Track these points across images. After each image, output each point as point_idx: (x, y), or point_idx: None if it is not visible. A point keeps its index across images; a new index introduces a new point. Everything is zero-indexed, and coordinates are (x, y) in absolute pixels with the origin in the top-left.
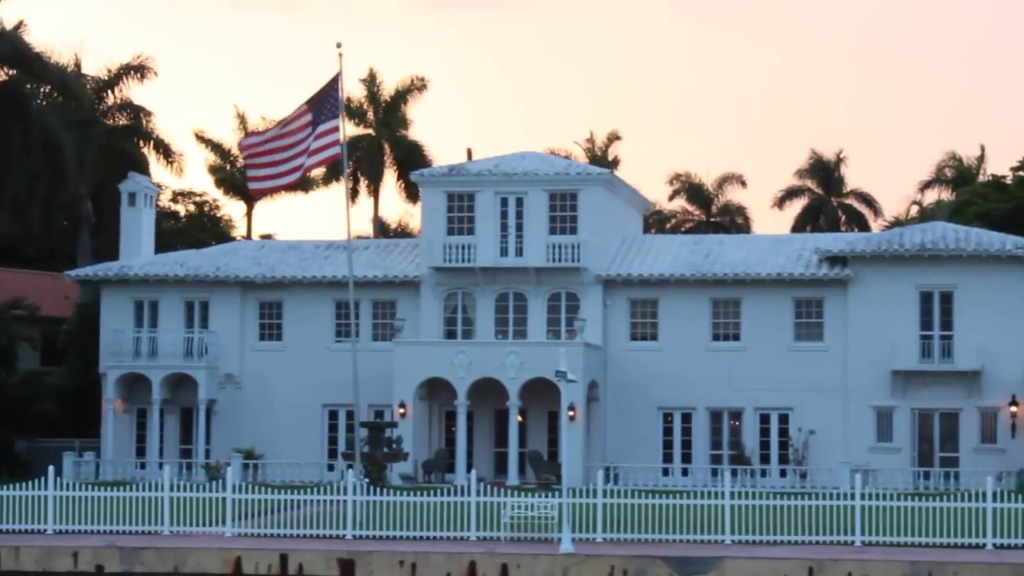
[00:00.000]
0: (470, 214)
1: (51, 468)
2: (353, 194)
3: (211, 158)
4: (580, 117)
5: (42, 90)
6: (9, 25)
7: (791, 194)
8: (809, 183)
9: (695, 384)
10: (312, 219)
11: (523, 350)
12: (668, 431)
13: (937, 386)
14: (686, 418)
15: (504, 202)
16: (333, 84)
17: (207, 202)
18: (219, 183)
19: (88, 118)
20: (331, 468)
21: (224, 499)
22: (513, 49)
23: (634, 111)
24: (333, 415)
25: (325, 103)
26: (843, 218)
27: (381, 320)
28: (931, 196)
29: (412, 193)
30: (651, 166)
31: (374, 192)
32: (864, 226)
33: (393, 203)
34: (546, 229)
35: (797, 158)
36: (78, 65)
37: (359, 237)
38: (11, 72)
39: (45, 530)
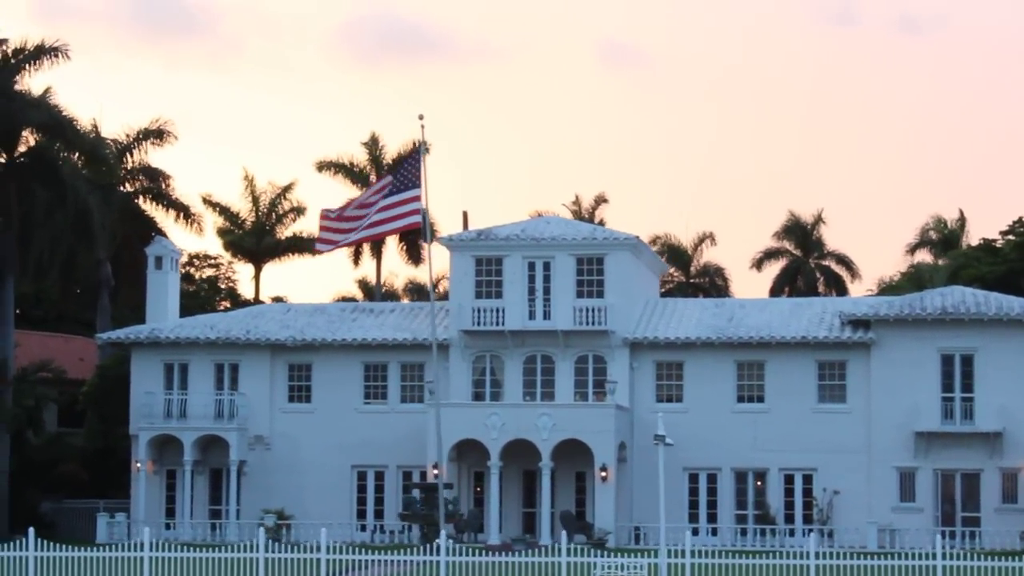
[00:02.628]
0: (498, 278)
1: (147, 531)
2: (356, 256)
3: (219, 221)
4: (562, 179)
5: (68, 155)
6: (36, 91)
7: (769, 255)
8: (787, 244)
9: (720, 445)
10: (315, 281)
11: (555, 412)
12: (694, 491)
13: (959, 447)
14: (711, 478)
15: (531, 266)
16: (414, 154)
17: (220, 264)
18: (227, 246)
19: (111, 182)
20: (362, 528)
21: (319, 560)
22: (492, 112)
23: (614, 173)
24: (362, 476)
25: (405, 171)
26: (821, 280)
27: (409, 383)
28: (915, 259)
29: (413, 255)
30: (632, 229)
31: (377, 255)
32: (842, 288)
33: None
34: (573, 293)
35: (775, 220)
36: (96, 129)
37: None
38: (39, 137)
39: None
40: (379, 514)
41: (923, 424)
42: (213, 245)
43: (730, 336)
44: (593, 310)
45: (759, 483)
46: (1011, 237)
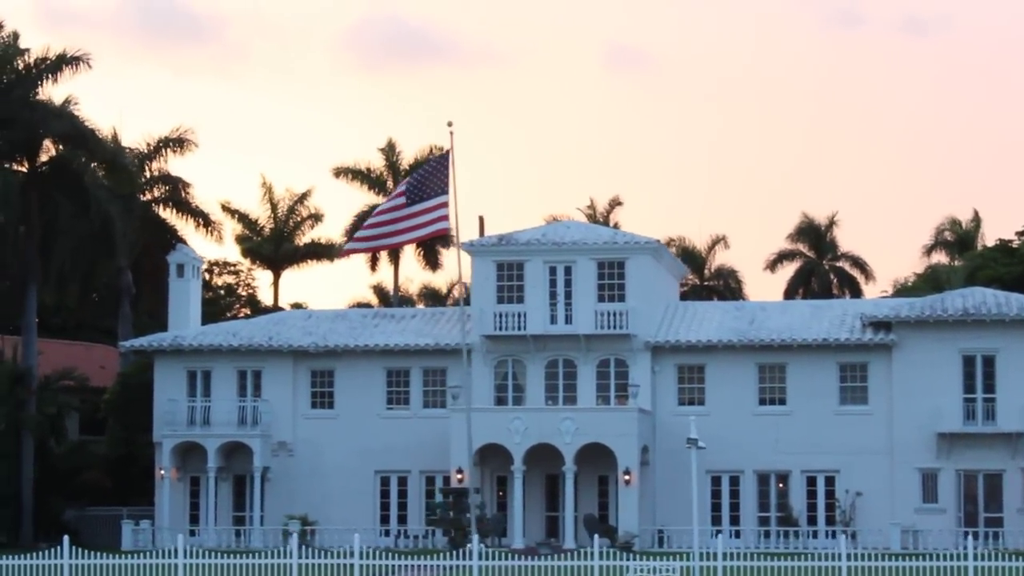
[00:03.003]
0: (519, 283)
1: (180, 537)
2: (373, 261)
3: (236, 228)
4: (573, 183)
5: (89, 164)
6: (57, 100)
7: (783, 257)
8: (801, 246)
9: (742, 448)
10: (331, 288)
11: (578, 416)
12: (716, 494)
13: (981, 448)
14: (734, 481)
15: (553, 271)
16: (443, 160)
17: (240, 271)
18: (246, 253)
19: (131, 191)
20: (385, 534)
21: (352, 565)
22: (499, 116)
23: (625, 176)
24: (385, 481)
25: (434, 179)
26: (835, 281)
27: (431, 388)
28: (930, 260)
29: (431, 261)
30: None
31: (394, 261)
32: (856, 290)
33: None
34: (594, 297)
35: (788, 222)
36: (117, 138)
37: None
38: (61, 147)
39: None
40: (402, 519)
41: (945, 425)
42: (231, 252)
43: (751, 339)
44: (615, 314)
45: (781, 485)
46: None
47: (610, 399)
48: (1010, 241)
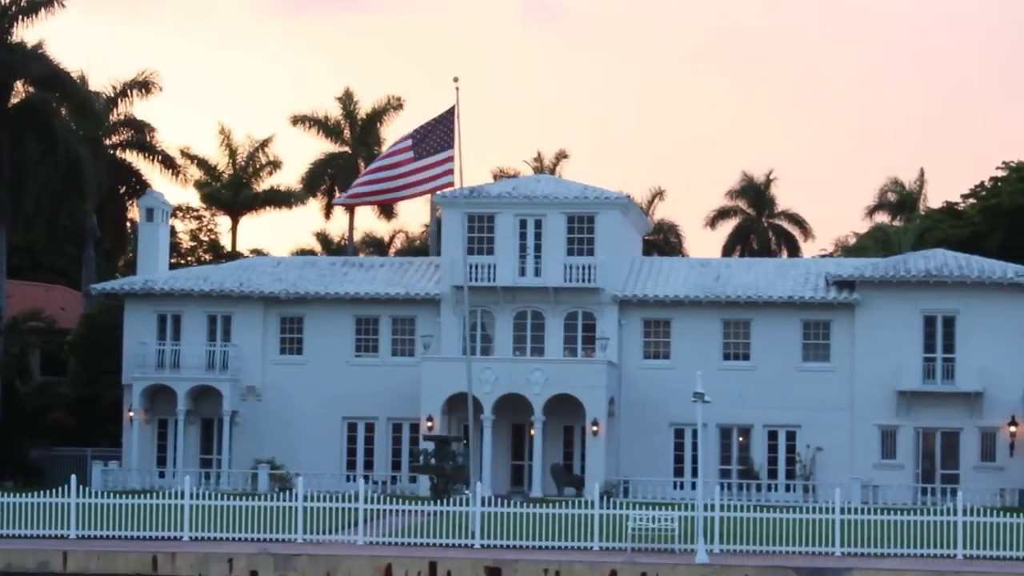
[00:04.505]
0: (490, 235)
1: (188, 479)
2: (327, 209)
3: (196, 174)
4: (523, 135)
5: (59, 107)
6: (29, 43)
7: (723, 214)
8: (740, 204)
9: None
10: (285, 234)
11: (548, 367)
12: (679, 446)
13: (939, 406)
14: (696, 434)
15: (523, 224)
16: (448, 115)
17: (203, 216)
18: (205, 198)
19: (97, 134)
20: (349, 479)
21: (357, 509)
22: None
23: (571, 130)
24: (352, 427)
25: (439, 133)
26: (773, 238)
27: (400, 336)
28: (873, 220)
29: (386, 210)
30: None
31: (349, 209)
32: (794, 247)
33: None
34: (564, 250)
35: (727, 179)
36: (84, 81)
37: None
38: (32, 89)
39: (181, 537)
40: (368, 465)
41: (905, 383)
42: (189, 197)
43: (718, 295)
44: (583, 268)
45: (743, 439)
46: (972, 200)
47: (577, 351)
48: (956, 203)
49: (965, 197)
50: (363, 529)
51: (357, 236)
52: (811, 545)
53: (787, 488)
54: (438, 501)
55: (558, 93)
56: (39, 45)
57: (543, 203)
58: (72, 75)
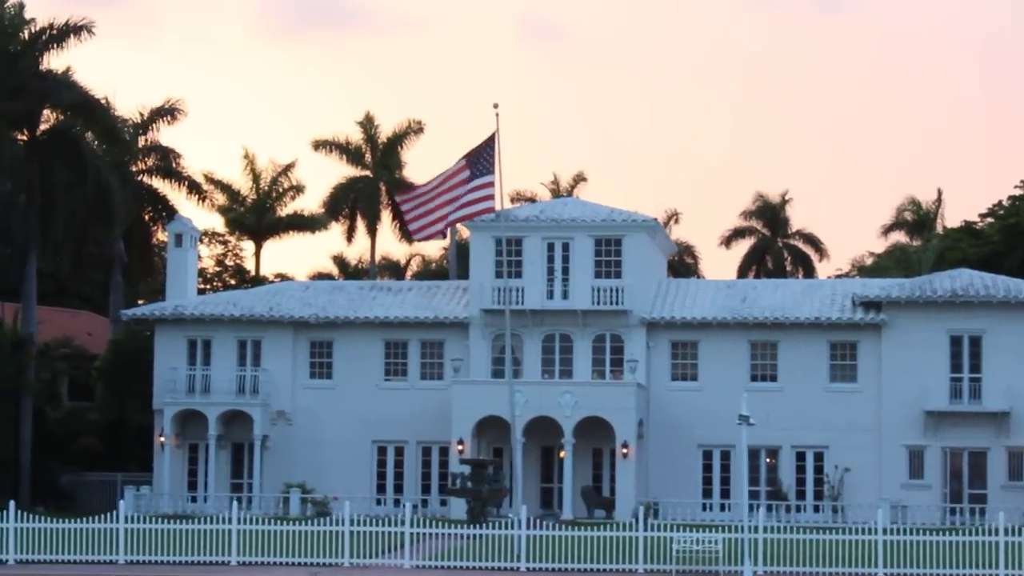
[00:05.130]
0: (518, 258)
1: (234, 504)
2: (349, 233)
3: (219, 199)
4: (534, 157)
5: (87, 133)
6: (58, 69)
7: (737, 234)
8: (755, 224)
9: (734, 423)
10: (308, 258)
11: (578, 390)
12: (708, 468)
13: (966, 426)
14: (725, 455)
15: (551, 247)
16: (490, 141)
17: (228, 241)
18: (229, 223)
19: (124, 160)
20: (380, 503)
21: (402, 533)
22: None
23: (583, 151)
24: (382, 451)
25: (481, 159)
26: (788, 258)
27: (429, 360)
28: (888, 240)
29: (407, 234)
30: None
31: (371, 232)
32: (809, 267)
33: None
34: (591, 273)
35: (742, 200)
36: (112, 108)
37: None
38: (61, 116)
39: (229, 562)
40: (398, 488)
41: (932, 403)
42: (212, 222)
43: (745, 316)
44: (611, 290)
45: (771, 460)
46: (991, 220)
47: (605, 374)
48: (974, 223)
49: (983, 216)
50: (409, 553)
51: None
52: (853, 566)
53: (815, 509)
54: (475, 525)
55: (566, 114)
56: (67, 72)
57: (570, 226)
58: (103, 102)
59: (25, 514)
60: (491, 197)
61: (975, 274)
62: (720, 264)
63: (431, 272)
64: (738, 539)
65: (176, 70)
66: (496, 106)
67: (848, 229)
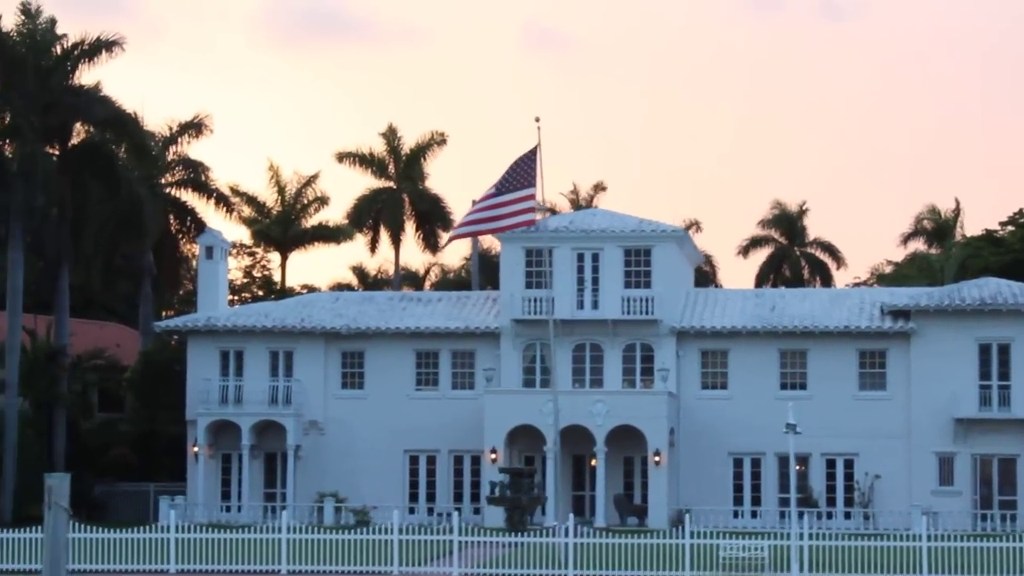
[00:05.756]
0: (548, 268)
1: (285, 514)
2: (372, 244)
3: (244, 211)
4: (549, 167)
5: (118, 148)
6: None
7: (755, 243)
8: (773, 233)
9: (764, 431)
10: (329, 268)
11: (610, 399)
12: (738, 475)
13: (996, 433)
14: (755, 463)
15: (580, 257)
16: (531, 155)
17: (255, 253)
18: (255, 235)
19: (153, 174)
20: (412, 511)
21: (451, 541)
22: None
23: (598, 161)
24: (414, 460)
25: (522, 171)
26: (806, 267)
27: (460, 370)
28: (907, 249)
29: (431, 243)
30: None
31: (395, 243)
32: (827, 276)
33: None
34: (621, 283)
35: (759, 209)
36: (141, 123)
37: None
38: (92, 130)
39: (279, 571)
40: (431, 497)
41: (961, 411)
42: (238, 234)
43: (774, 325)
44: (640, 300)
45: (801, 467)
46: (1011, 228)
47: (635, 383)
48: (995, 231)
49: (1003, 224)
50: (458, 560)
51: (392, 268)
52: (897, 572)
53: (846, 516)
54: (514, 533)
55: (577, 123)
56: (97, 87)
57: (600, 236)
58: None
59: (77, 525)
60: (532, 210)
61: (1002, 283)
62: (738, 273)
63: (450, 282)
64: (782, 546)
65: (182, 81)
66: (538, 120)
67: (865, 237)
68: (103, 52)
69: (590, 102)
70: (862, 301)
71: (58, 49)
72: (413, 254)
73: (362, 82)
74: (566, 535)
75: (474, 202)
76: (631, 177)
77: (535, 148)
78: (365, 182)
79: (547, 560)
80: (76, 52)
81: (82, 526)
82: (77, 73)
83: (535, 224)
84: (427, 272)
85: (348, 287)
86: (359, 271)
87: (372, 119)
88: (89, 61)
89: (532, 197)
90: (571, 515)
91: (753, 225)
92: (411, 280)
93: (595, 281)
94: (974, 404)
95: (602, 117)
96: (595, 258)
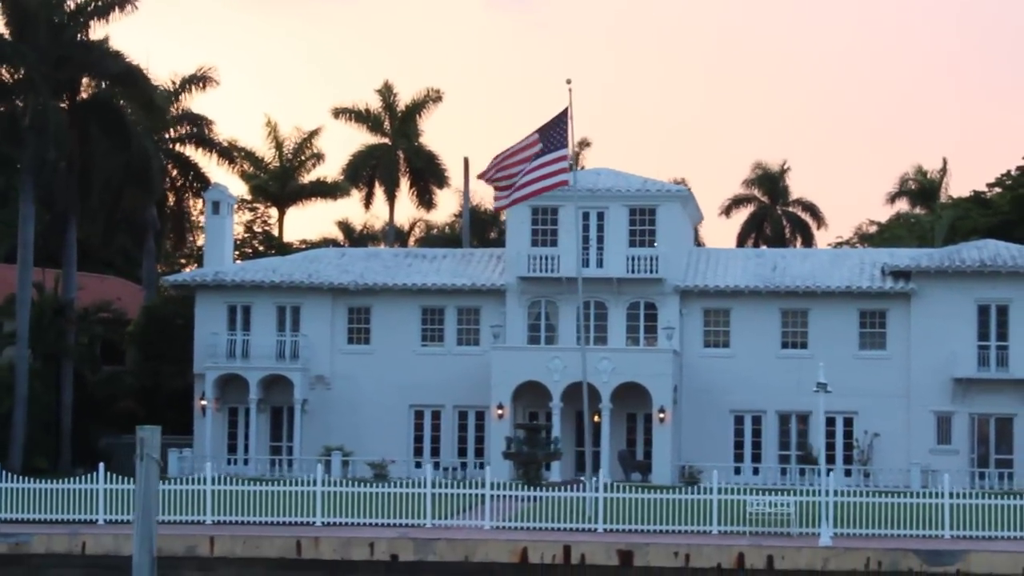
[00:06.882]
0: (553, 227)
1: (319, 467)
2: (367, 200)
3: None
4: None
5: (126, 102)
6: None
7: (737, 202)
8: (755, 192)
9: (765, 389)
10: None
11: (615, 356)
12: (739, 433)
13: (993, 393)
14: (756, 421)
15: (585, 216)
16: (562, 116)
17: (256, 208)
18: (253, 190)
19: (163, 128)
20: (417, 465)
21: (483, 495)
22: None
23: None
24: (419, 415)
25: (554, 133)
26: (788, 227)
27: (465, 326)
28: (894, 209)
29: (425, 200)
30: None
31: (390, 200)
32: (808, 235)
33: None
34: (626, 242)
35: (740, 169)
36: (148, 77)
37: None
38: (102, 84)
39: (313, 522)
40: (435, 452)
41: (960, 371)
42: (236, 189)
43: (776, 285)
44: (645, 258)
45: (802, 425)
46: (999, 189)
47: (639, 340)
48: (983, 192)
49: (990, 186)
50: (490, 514)
51: (378, 224)
52: (920, 528)
53: (846, 473)
54: (530, 488)
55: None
56: (105, 41)
57: (605, 196)
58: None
59: (113, 476)
60: (565, 171)
61: (1001, 244)
62: (720, 232)
63: (436, 238)
64: (808, 503)
65: (179, 36)
66: (569, 82)
67: (847, 198)
68: (115, 8)
69: (572, 59)
70: (862, 261)
71: (71, 4)
72: (406, 210)
73: (357, 37)
74: (595, 490)
75: (495, 161)
76: (613, 137)
77: (566, 110)
78: (361, 138)
79: (575, 514)
80: (89, 8)
81: (115, 478)
82: (88, 29)
83: (568, 184)
84: (412, 228)
85: (334, 242)
86: (345, 226)
87: (369, 76)
88: (102, 17)
89: (566, 158)
90: (601, 470)
91: (736, 185)
92: (397, 236)
93: (600, 240)
94: (972, 364)
95: (586, 76)
96: (600, 216)
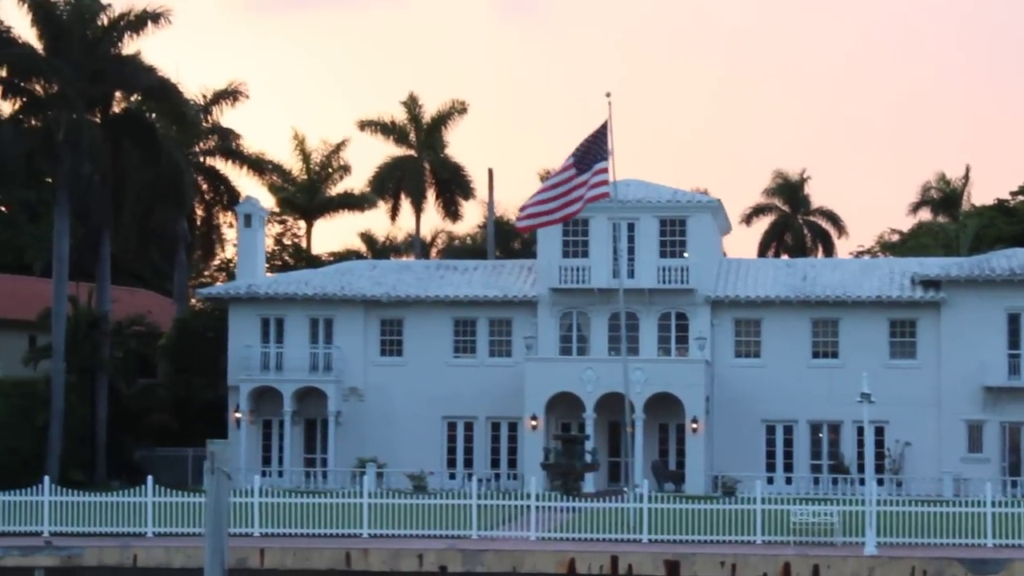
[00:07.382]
0: (584, 238)
1: (367, 480)
2: (393, 212)
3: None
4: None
5: (158, 116)
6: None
7: (758, 211)
8: (776, 201)
9: (797, 399)
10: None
11: (648, 367)
12: (771, 442)
13: None
14: (788, 430)
15: (616, 227)
16: (602, 130)
17: (286, 221)
18: (281, 203)
19: (194, 142)
20: (451, 477)
21: (528, 506)
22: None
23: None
24: (452, 427)
25: (596, 146)
26: (809, 236)
27: (497, 337)
28: (917, 218)
29: (451, 212)
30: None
31: (416, 211)
32: (829, 244)
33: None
34: (656, 253)
35: (761, 179)
36: (180, 91)
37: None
38: (135, 98)
39: (361, 534)
40: (468, 463)
41: (990, 379)
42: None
43: (807, 295)
44: (676, 269)
45: (833, 435)
46: (1022, 197)
47: (671, 351)
48: (1006, 201)
49: (1014, 194)
50: (535, 525)
51: (401, 236)
52: (960, 536)
53: (878, 482)
54: (568, 499)
55: (584, 90)
56: (138, 56)
57: (636, 207)
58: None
59: (161, 489)
60: (606, 183)
61: None
62: (741, 242)
63: (460, 250)
64: (851, 512)
65: (205, 50)
66: (608, 95)
67: (867, 207)
68: (149, 23)
69: (595, 69)
70: (892, 271)
71: (104, 19)
72: (429, 221)
73: (384, 50)
74: (639, 500)
75: (544, 184)
76: (632, 148)
77: (605, 123)
78: (387, 150)
79: (619, 525)
80: (122, 23)
81: (163, 490)
82: (122, 43)
83: (609, 196)
84: (434, 239)
85: (357, 254)
86: (367, 238)
87: (387, 88)
88: (135, 32)
89: (606, 170)
90: (644, 481)
91: (756, 194)
92: (420, 248)
93: (631, 251)
94: (1003, 372)
95: (603, 85)
96: (631, 228)
